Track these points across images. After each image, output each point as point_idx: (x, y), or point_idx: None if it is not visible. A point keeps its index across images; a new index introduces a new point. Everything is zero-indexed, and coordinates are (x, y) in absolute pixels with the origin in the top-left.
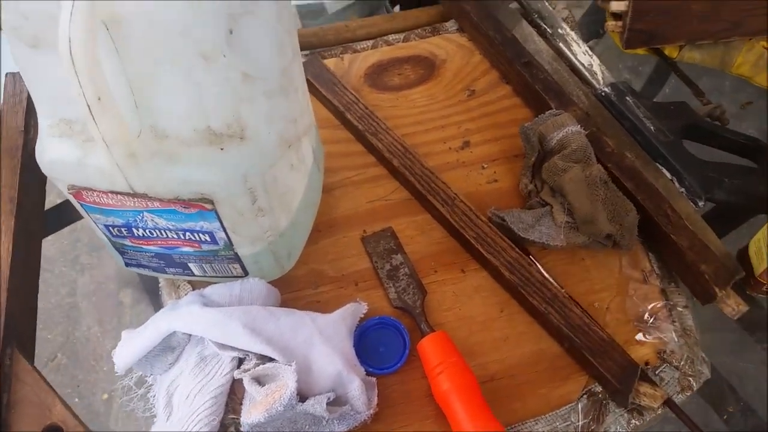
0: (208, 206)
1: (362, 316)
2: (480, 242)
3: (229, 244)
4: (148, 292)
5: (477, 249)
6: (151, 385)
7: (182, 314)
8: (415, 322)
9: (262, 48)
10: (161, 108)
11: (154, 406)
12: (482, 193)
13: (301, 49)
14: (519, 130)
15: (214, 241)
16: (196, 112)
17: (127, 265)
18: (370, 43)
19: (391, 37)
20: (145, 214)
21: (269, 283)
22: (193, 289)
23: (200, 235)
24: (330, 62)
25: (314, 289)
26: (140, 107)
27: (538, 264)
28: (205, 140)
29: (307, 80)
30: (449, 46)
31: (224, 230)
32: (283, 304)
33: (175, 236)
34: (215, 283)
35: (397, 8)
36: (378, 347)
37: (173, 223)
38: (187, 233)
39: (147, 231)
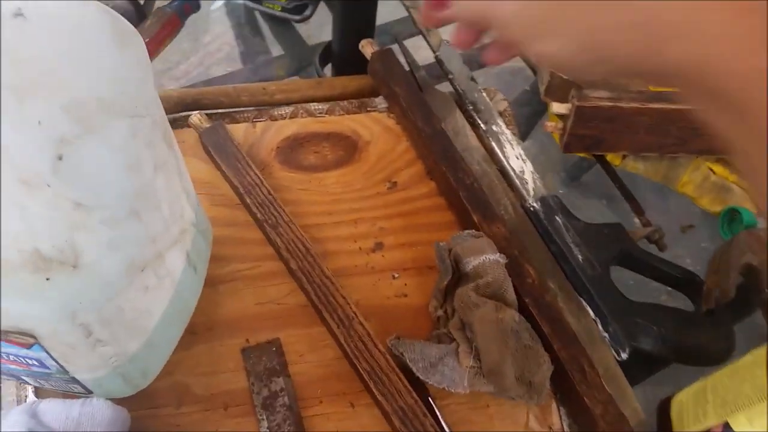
0: (29, 340)
1: None
2: (373, 379)
3: (63, 370)
4: None
5: (367, 382)
6: None
7: None
8: None
9: (104, 172)
10: None
11: None
12: (389, 308)
13: (211, 108)
14: (434, 246)
15: (44, 366)
16: (22, 233)
17: None
18: (289, 110)
19: (313, 106)
20: None
21: (119, 400)
22: (35, 393)
23: (26, 359)
24: (239, 127)
25: (176, 409)
26: None
27: (435, 408)
28: (29, 265)
29: (208, 151)
30: (375, 127)
31: (54, 360)
32: (137, 422)
33: None
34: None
35: (328, 69)
36: None
37: None
38: (11, 356)
39: None
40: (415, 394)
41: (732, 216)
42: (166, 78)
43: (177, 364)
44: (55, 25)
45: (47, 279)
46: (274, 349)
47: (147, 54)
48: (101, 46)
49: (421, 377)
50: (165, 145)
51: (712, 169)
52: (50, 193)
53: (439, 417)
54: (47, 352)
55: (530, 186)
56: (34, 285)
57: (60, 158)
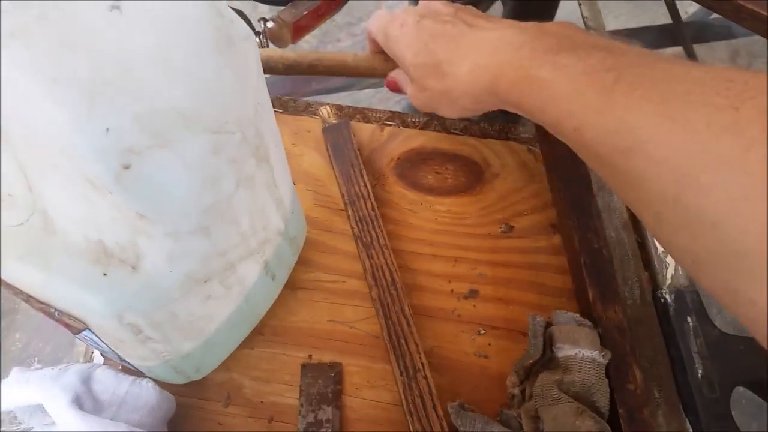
0: (80, 325)
1: None
2: None
3: (115, 353)
4: None
5: None
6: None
7: (50, 395)
8: None
9: (174, 186)
10: (54, 202)
11: None
12: (465, 365)
13: (325, 74)
14: (528, 318)
15: (98, 345)
16: (90, 222)
17: None
18: (422, 119)
19: (448, 121)
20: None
21: (171, 385)
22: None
23: (82, 337)
24: (366, 128)
25: (223, 407)
26: (34, 189)
27: None
28: (91, 255)
29: (326, 149)
30: (509, 159)
31: (106, 344)
32: (182, 410)
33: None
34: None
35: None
36: None
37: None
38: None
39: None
40: None
41: None
42: (344, 33)
43: (236, 360)
44: (150, 22)
45: (104, 274)
46: (332, 374)
47: (258, 64)
48: (197, 52)
49: None
50: (254, 161)
51: None
52: (113, 199)
53: None
54: (98, 337)
55: (669, 272)
56: (90, 276)
57: (126, 167)
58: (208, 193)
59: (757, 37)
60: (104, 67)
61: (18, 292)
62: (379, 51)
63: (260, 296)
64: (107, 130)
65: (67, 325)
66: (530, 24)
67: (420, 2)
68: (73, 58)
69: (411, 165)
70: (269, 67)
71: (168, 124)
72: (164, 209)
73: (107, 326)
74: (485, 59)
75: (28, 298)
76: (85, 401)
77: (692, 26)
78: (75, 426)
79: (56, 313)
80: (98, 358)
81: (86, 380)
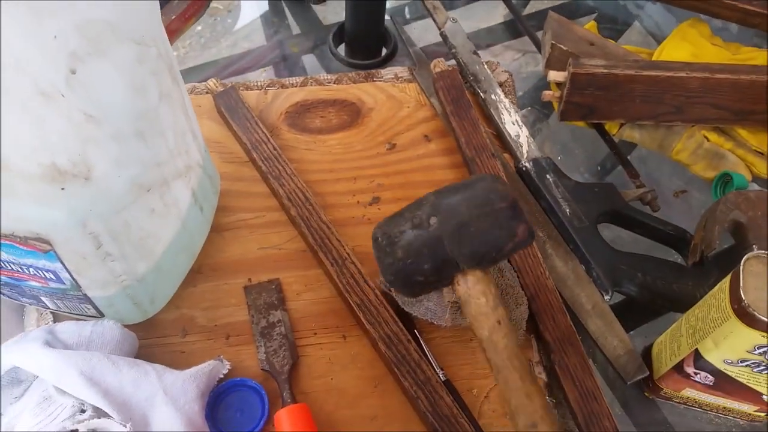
0: (45, 246)
1: (223, 375)
2: (362, 309)
3: (77, 285)
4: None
5: (358, 316)
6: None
7: (23, 350)
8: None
9: (112, 90)
10: (6, 139)
11: None
12: None
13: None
14: None
15: (59, 280)
16: (41, 146)
17: None
18: (299, 79)
19: (322, 76)
20: None
21: (129, 326)
22: (54, 320)
23: (44, 272)
24: (252, 94)
25: (181, 338)
26: None
27: (421, 339)
28: (47, 177)
29: (220, 111)
30: (379, 95)
31: (68, 271)
32: (144, 350)
33: (19, 270)
34: (71, 318)
35: (341, 48)
36: (235, 411)
37: (14, 257)
38: (31, 268)
39: None
40: (400, 324)
41: (725, 181)
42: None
43: (183, 298)
44: None
45: (62, 189)
46: (273, 287)
47: None
48: None
49: (405, 309)
50: (170, 78)
51: (706, 137)
52: (64, 104)
53: (422, 343)
54: (61, 262)
55: (524, 149)
56: (50, 194)
57: (73, 72)
58: (139, 99)
59: None
60: None
61: None
62: None
63: (194, 226)
64: (54, 36)
65: (34, 248)
66: None
67: None
68: None
69: (298, 115)
70: None
71: (100, 32)
72: (107, 110)
73: (71, 239)
74: None
75: None
76: (56, 346)
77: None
78: (55, 363)
79: (21, 240)
80: (48, 317)
81: (51, 332)
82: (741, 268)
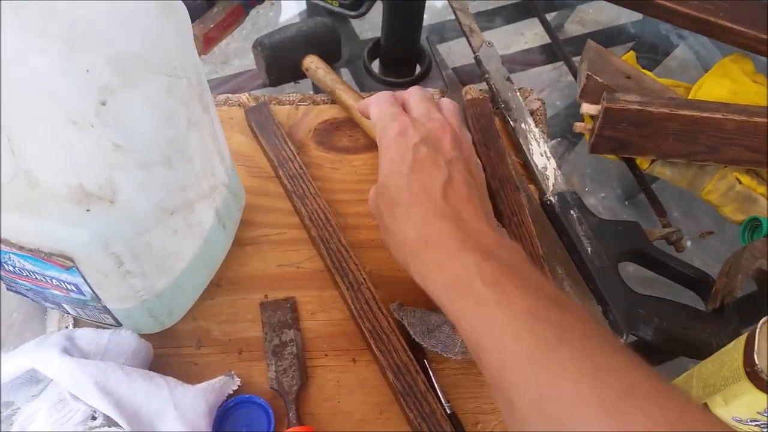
0: (68, 263)
1: (232, 392)
2: (373, 336)
3: (97, 298)
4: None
5: (369, 342)
6: (18, 408)
7: (41, 355)
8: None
9: (141, 121)
10: (36, 158)
11: None
12: (398, 281)
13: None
14: None
15: (80, 292)
16: (70, 170)
17: (8, 289)
18: (331, 97)
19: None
20: (12, 255)
21: (145, 336)
22: (74, 323)
23: (66, 284)
24: (283, 109)
25: (195, 349)
26: (16, 153)
27: (430, 370)
28: (74, 198)
29: (251, 126)
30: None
31: (89, 286)
32: (160, 359)
33: (42, 279)
34: (91, 324)
35: (376, 63)
36: (242, 427)
37: (38, 269)
38: (53, 280)
39: (16, 269)
40: (410, 354)
41: (754, 225)
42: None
43: (201, 310)
44: None
45: (87, 210)
46: (289, 305)
47: (189, 24)
48: (147, 11)
49: (417, 340)
50: (200, 107)
51: (738, 179)
52: (94, 133)
53: (431, 375)
54: (83, 278)
55: (551, 182)
56: (76, 215)
57: (103, 104)
58: (167, 128)
59: None
60: (76, 26)
61: (10, 244)
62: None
63: (215, 243)
64: (87, 71)
65: (57, 264)
66: (493, 238)
67: (444, 108)
68: (54, 19)
69: (327, 133)
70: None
71: (131, 65)
72: (135, 140)
73: (94, 258)
74: (436, 245)
75: (20, 248)
76: (73, 353)
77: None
78: (71, 371)
79: (45, 255)
80: (68, 320)
81: (69, 337)
82: (757, 331)
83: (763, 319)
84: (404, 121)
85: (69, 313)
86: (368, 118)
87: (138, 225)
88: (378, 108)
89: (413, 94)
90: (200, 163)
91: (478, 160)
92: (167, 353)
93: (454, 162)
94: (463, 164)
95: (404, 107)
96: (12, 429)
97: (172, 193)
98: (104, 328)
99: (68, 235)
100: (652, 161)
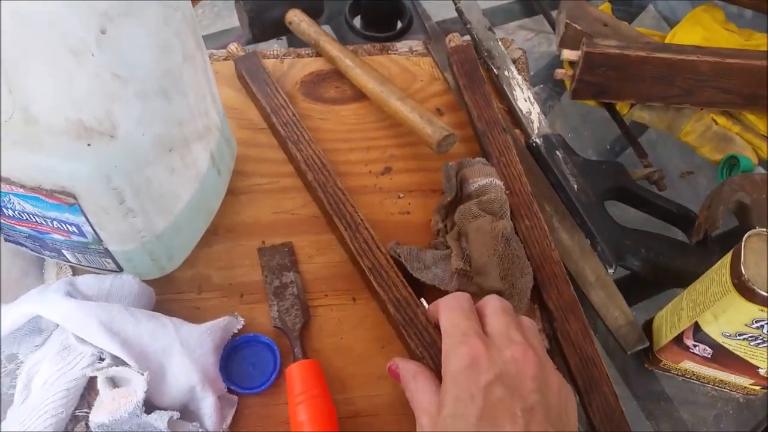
0: (70, 200)
1: (237, 331)
2: (373, 273)
3: (98, 239)
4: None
5: (369, 279)
6: (22, 362)
7: (45, 300)
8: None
9: (139, 50)
10: (34, 93)
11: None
12: (392, 223)
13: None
14: (442, 167)
15: (81, 233)
16: (68, 103)
17: (6, 239)
18: (315, 50)
19: None
20: (12, 196)
21: (146, 282)
22: (73, 274)
23: (67, 225)
24: (268, 63)
25: (197, 294)
26: (13, 90)
27: (427, 304)
28: (73, 132)
29: (241, 76)
30: (394, 67)
31: (90, 225)
32: (161, 305)
33: (43, 222)
34: (91, 272)
35: (357, 19)
36: (248, 365)
37: (39, 210)
38: (54, 221)
39: (15, 212)
40: (409, 289)
41: (732, 163)
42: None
43: (199, 258)
44: None
45: (88, 145)
46: (286, 249)
47: None
48: None
49: (414, 275)
50: (193, 41)
51: (715, 120)
52: (93, 62)
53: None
54: (85, 216)
55: (535, 125)
56: (77, 150)
57: (103, 32)
58: (164, 59)
59: None
60: None
61: (11, 183)
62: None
63: (211, 187)
64: None
65: (59, 201)
66: None
67: (525, 326)
68: None
69: (314, 85)
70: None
71: None
72: (134, 70)
73: (95, 193)
74: None
75: (21, 187)
76: (76, 298)
77: None
78: (76, 313)
79: (47, 192)
80: (68, 271)
81: (71, 283)
82: (742, 244)
83: (748, 233)
84: (477, 347)
85: (68, 261)
86: (436, 324)
87: (138, 159)
88: (448, 317)
89: (491, 304)
90: (194, 99)
91: (570, 397)
92: (169, 299)
93: (535, 411)
94: (544, 414)
95: (479, 315)
96: (17, 380)
97: (170, 128)
98: (105, 274)
99: (70, 171)
100: (631, 106)
